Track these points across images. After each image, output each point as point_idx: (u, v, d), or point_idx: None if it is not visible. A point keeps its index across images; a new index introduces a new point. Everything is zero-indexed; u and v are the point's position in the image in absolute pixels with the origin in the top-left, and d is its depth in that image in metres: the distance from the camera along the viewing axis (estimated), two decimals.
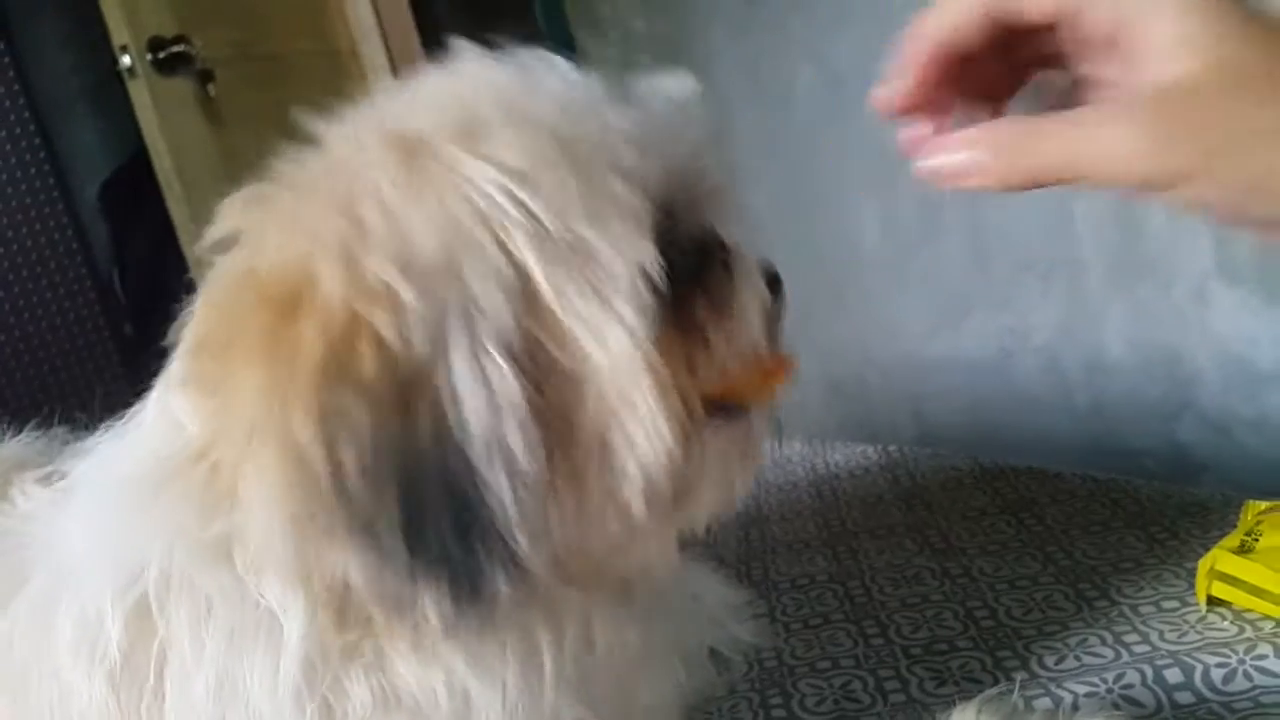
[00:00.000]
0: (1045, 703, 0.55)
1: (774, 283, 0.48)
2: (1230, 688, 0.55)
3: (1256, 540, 0.60)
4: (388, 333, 0.35)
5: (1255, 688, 0.54)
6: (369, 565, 0.35)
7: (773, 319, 0.47)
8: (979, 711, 0.51)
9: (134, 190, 2.01)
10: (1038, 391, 1.24)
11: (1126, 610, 0.62)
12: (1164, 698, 0.55)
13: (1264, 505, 0.64)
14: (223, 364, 0.38)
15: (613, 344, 0.38)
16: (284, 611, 0.38)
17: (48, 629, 0.42)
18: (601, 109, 0.41)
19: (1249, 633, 0.58)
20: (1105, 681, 0.57)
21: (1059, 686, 0.57)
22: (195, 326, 0.41)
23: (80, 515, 0.44)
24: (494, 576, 0.35)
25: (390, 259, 0.36)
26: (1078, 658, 0.59)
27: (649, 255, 0.39)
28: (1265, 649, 0.56)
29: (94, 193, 2.12)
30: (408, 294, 0.35)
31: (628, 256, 0.38)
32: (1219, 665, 0.56)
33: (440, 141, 0.39)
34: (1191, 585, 0.62)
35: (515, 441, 0.36)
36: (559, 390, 0.37)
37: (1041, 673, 0.59)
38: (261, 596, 0.38)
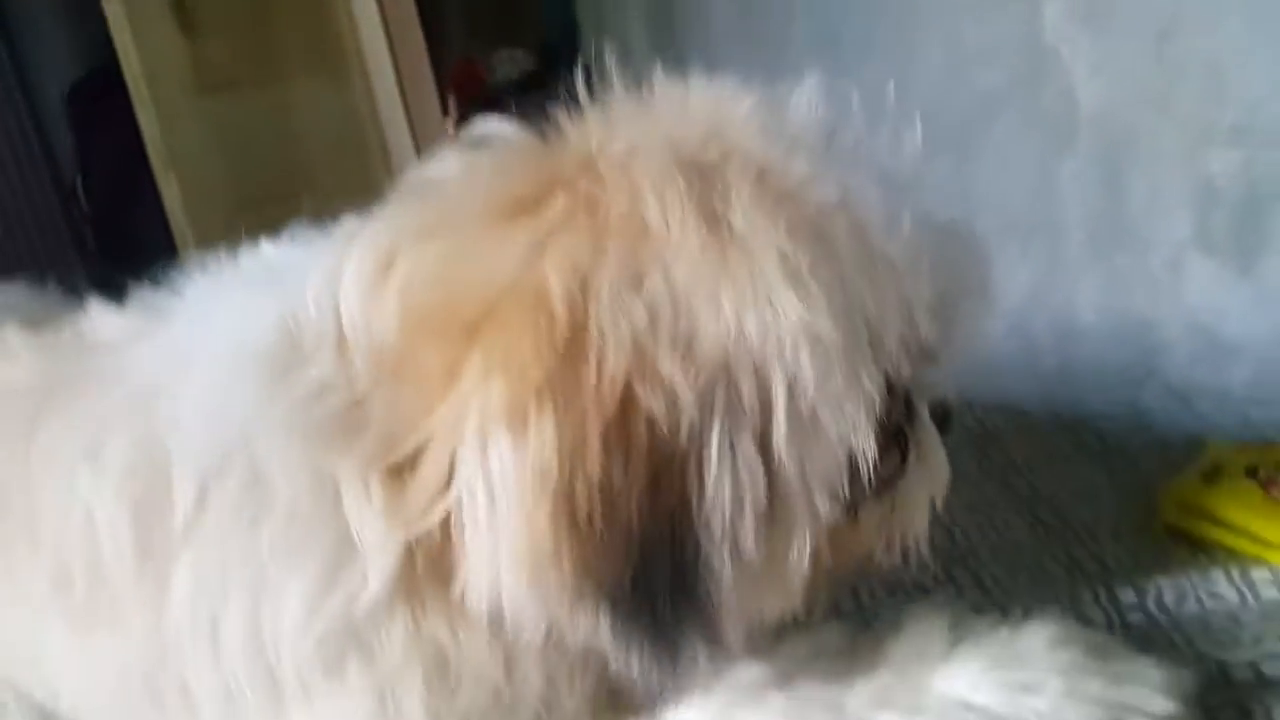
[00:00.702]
0: (994, 613, 0.54)
1: (945, 420, 0.49)
2: (1182, 610, 0.54)
3: (1220, 472, 0.60)
4: (659, 416, 0.36)
5: (1205, 611, 0.54)
6: (597, 619, 0.37)
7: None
8: (927, 616, 0.49)
9: (102, 98, 1.95)
10: (1005, 352, 1.23)
11: (1083, 535, 0.61)
12: (1115, 616, 0.54)
13: (1231, 443, 0.63)
14: (469, 356, 0.38)
15: (796, 520, 0.40)
16: (372, 557, 0.38)
17: (95, 454, 0.41)
18: (910, 284, 0.41)
19: (1204, 560, 0.57)
20: (1057, 598, 0.56)
21: (1010, 600, 0.56)
22: (450, 287, 0.39)
23: (176, 357, 0.43)
24: (695, 646, 0.38)
25: (675, 350, 0.37)
26: (1030, 575, 0.58)
27: (867, 448, 0.40)
28: (1218, 575, 0.56)
29: (59, 95, 2.05)
30: (684, 388, 0.36)
31: (846, 446, 0.39)
32: (1172, 589, 0.55)
33: (752, 236, 0.38)
34: (1150, 516, 0.61)
35: (747, 529, 0.38)
36: None
37: (993, 587, 0.58)
38: (359, 538, 0.38)
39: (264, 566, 0.38)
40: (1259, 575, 0.55)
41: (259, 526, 0.38)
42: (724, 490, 0.37)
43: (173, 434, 0.40)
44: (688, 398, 0.37)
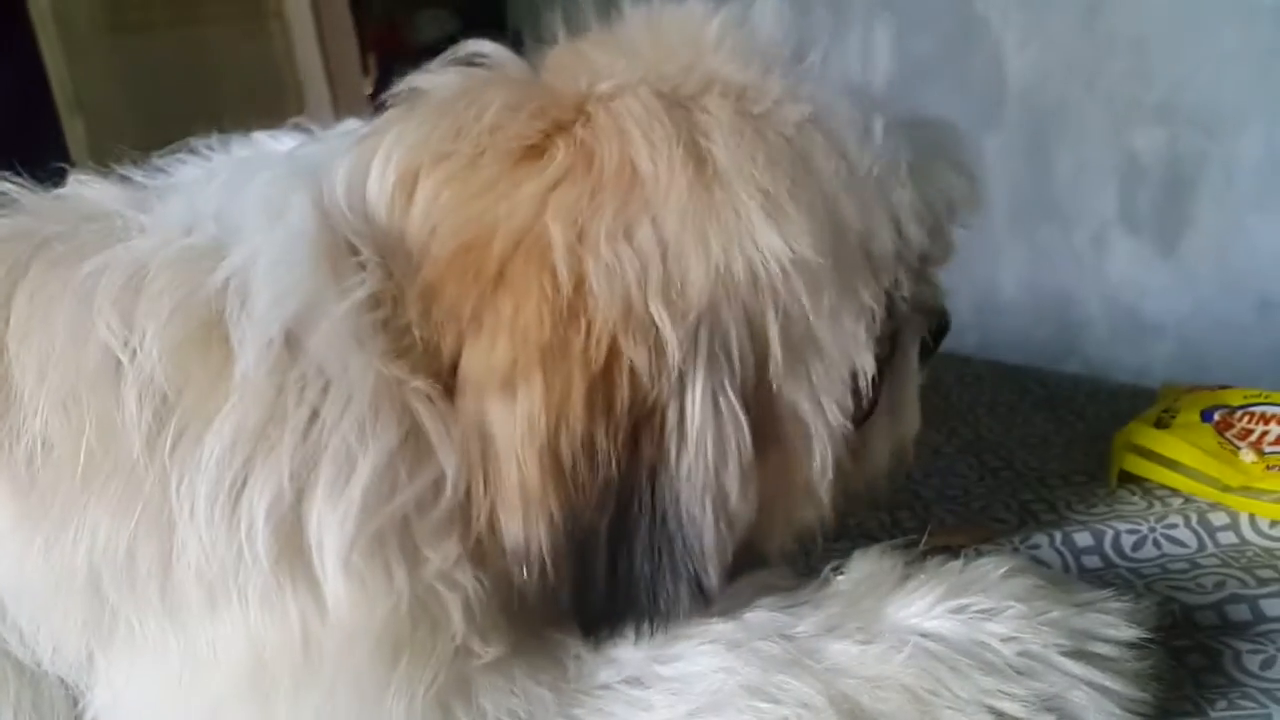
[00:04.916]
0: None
1: (942, 331, 0.50)
2: (1139, 554, 0.51)
3: (1173, 417, 0.57)
4: (642, 369, 0.37)
5: (1163, 555, 0.51)
6: (574, 571, 0.38)
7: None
8: (879, 557, 0.44)
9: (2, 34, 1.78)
10: None
11: (1033, 481, 0.58)
12: (1071, 560, 0.51)
13: (1183, 387, 0.61)
14: (493, 305, 0.38)
15: (814, 436, 0.41)
16: (447, 461, 0.38)
17: (135, 292, 0.38)
18: (892, 193, 0.41)
19: (1158, 507, 0.54)
20: (1011, 541, 0.52)
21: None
22: (475, 228, 0.39)
23: (221, 222, 0.41)
24: (678, 596, 0.38)
25: (663, 300, 0.37)
26: (981, 521, 0.54)
27: (867, 365, 0.41)
28: (1176, 519, 0.53)
29: None
30: (670, 338, 0.37)
31: (849, 361, 0.40)
32: (1129, 532, 0.52)
33: (734, 170, 0.39)
34: (1101, 464, 0.58)
35: (733, 483, 0.38)
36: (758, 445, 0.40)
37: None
38: (433, 439, 0.38)
39: (322, 446, 0.37)
40: (1216, 519, 0.52)
41: (320, 406, 0.37)
42: (706, 441, 0.38)
43: (230, 295, 0.38)
44: (673, 348, 0.37)
